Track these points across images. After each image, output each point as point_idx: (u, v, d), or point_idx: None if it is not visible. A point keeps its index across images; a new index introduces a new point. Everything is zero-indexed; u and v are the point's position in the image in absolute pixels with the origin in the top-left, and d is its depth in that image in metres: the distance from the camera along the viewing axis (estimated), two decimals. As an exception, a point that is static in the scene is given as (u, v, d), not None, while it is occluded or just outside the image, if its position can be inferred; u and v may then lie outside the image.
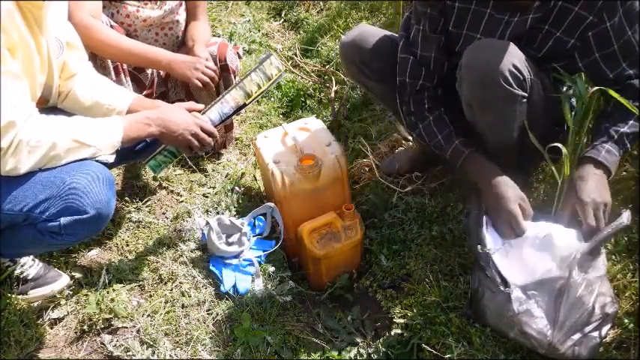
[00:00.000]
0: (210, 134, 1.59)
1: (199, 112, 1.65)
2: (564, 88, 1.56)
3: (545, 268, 1.36)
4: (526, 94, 1.41)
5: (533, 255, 1.40)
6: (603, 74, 1.44)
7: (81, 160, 1.37)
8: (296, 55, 3.02)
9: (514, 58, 1.37)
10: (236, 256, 1.81)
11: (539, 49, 1.47)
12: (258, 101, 2.71)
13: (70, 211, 1.32)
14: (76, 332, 1.64)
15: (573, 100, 1.61)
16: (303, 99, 2.74)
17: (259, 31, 3.29)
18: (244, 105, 1.72)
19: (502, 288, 1.35)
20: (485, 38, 1.45)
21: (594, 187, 1.38)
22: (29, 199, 1.31)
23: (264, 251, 1.86)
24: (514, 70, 1.36)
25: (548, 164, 1.80)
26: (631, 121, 1.41)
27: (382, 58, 1.74)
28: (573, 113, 1.48)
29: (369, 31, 1.79)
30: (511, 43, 1.39)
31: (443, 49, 1.62)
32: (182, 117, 1.55)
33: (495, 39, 1.42)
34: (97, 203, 1.33)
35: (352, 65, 1.82)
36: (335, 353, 1.64)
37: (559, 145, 1.48)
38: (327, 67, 2.85)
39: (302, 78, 2.85)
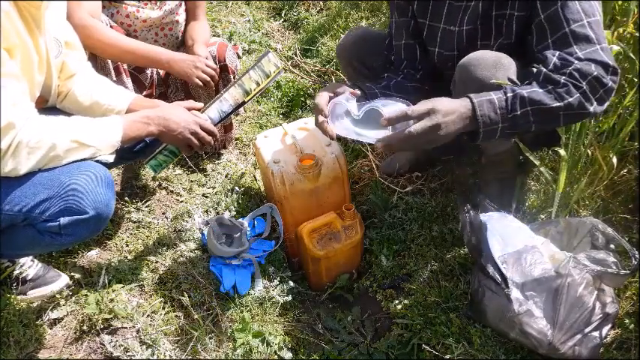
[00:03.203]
0: (210, 133, 1.59)
1: (199, 110, 1.65)
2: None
3: (542, 268, 1.36)
4: None
5: (529, 256, 1.39)
6: (531, 45, 1.37)
7: (80, 160, 1.37)
8: (296, 55, 3.02)
9: (508, 70, 1.35)
10: (236, 256, 1.81)
11: (509, 36, 1.45)
12: (257, 100, 2.71)
13: (70, 211, 1.32)
14: (75, 332, 1.64)
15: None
16: (303, 99, 2.74)
17: (259, 30, 3.29)
18: (243, 103, 1.72)
19: (503, 287, 1.35)
20: (476, 52, 1.42)
21: (447, 110, 1.21)
22: (29, 199, 1.31)
23: (264, 251, 1.86)
24: (509, 82, 1.34)
25: (547, 163, 1.81)
26: (535, 87, 1.25)
27: (379, 59, 1.75)
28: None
29: (366, 32, 1.80)
30: (504, 55, 1.37)
31: (414, 34, 1.63)
32: (182, 116, 1.55)
33: (488, 51, 1.40)
34: (96, 203, 1.33)
35: (349, 66, 1.83)
36: (335, 353, 1.64)
37: (559, 150, 1.48)
38: (327, 67, 2.84)
39: (302, 78, 2.85)
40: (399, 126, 1.26)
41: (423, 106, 1.22)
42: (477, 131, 1.25)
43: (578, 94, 1.22)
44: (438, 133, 1.21)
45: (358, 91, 1.44)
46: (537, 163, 1.53)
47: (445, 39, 1.55)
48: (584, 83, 1.22)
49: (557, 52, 1.27)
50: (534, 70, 1.28)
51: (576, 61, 1.24)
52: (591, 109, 1.24)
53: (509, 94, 1.24)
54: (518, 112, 1.23)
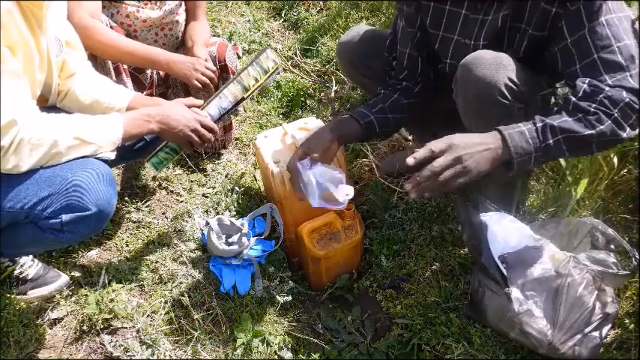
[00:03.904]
0: (210, 130, 1.60)
1: (199, 107, 1.65)
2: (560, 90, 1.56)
3: (542, 268, 1.36)
4: (522, 105, 1.39)
5: (530, 256, 1.40)
6: (557, 68, 1.38)
7: (82, 157, 1.37)
8: (296, 55, 3.02)
9: (509, 70, 1.35)
10: (236, 256, 1.81)
11: (518, 49, 1.45)
12: (257, 100, 2.72)
13: (72, 208, 1.32)
14: (75, 332, 1.64)
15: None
16: (303, 99, 2.74)
17: (259, 30, 3.29)
18: (242, 99, 1.72)
19: (503, 286, 1.36)
20: (477, 52, 1.42)
21: (473, 143, 1.22)
22: (31, 196, 1.31)
23: (264, 251, 1.86)
24: (510, 83, 1.34)
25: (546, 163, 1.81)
26: (564, 117, 1.25)
27: (379, 58, 1.75)
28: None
29: (367, 31, 1.80)
30: (505, 55, 1.37)
31: (418, 46, 1.62)
32: (182, 113, 1.55)
33: (489, 50, 1.40)
34: (98, 200, 1.33)
35: (349, 65, 1.83)
36: (335, 353, 1.64)
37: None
38: (327, 67, 2.85)
39: (302, 78, 2.85)
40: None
41: (442, 142, 1.22)
42: (510, 161, 1.25)
43: (610, 122, 1.22)
44: (464, 166, 1.21)
45: (315, 155, 1.52)
46: (565, 164, 1.52)
47: (459, 51, 1.53)
48: (615, 110, 1.22)
49: (588, 80, 1.26)
50: (564, 95, 1.30)
51: (607, 88, 1.23)
52: (624, 135, 1.24)
53: (539, 124, 1.25)
54: (551, 142, 1.24)
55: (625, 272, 1.32)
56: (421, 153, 1.21)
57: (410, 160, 1.21)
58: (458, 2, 1.47)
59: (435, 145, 1.21)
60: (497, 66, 1.35)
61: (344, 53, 1.84)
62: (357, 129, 1.59)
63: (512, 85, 1.34)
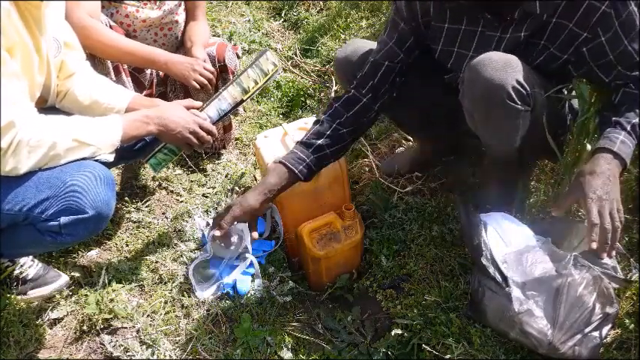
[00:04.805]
0: (208, 132, 1.60)
1: (198, 109, 1.65)
2: (566, 92, 1.56)
3: (543, 267, 1.36)
4: (529, 108, 1.39)
5: (530, 256, 1.40)
6: (600, 79, 1.42)
7: (81, 159, 1.37)
8: (296, 55, 3.02)
9: (517, 73, 1.34)
10: (236, 257, 1.80)
11: (532, 61, 1.44)
12: (257, 100, 2.72)
13: (70, 210, 1.32)
14: (75, 332, 1.64)
15: (575, 101, 1.62)
16: (303, 99, 2.74)
17: (259, 30, 3.29)
18: (242, 101, 1.72)
19: (503, 286, 1.35)
20: (486, 53, 1.40)
21: (604, 183, 1.30)
22: (29, 198, 1.31)
23: (264, 251, 1.86)
24: (517, 85, 1.33)
25: (547, 163, 1.81)
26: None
27: None
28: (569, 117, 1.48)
29: (363, 48, 1.77)
30: (514, 57, 1.37)
31: (389, 61, 1.59)
32: (181, 115, 1.55)
33: (498, 52, 1.39)
34: (96, 203, 1.33)
35: (345, 79, 1.82)
36: (335, 353, 1.64)
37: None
38: (327, 66, 2.84)
39: (302, 78, 2.85)
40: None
41: (593, 206, 1.27)
42: (625, 167, 1.35)
43: None
44: (616, 204, 1.29)
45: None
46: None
47: None
48: None
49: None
50: (627, 92, 1.38)
51: None
52: None
53: (628, 127, 1.34)
54: None
55: (622, 278, 1.33)
56: (595, 232, 1.26)
57: (594, 245, 1.26)
58: (473, 22, 1.46)
59: (593, 214, 1.27)
60: (505, 67, 1.34)
61: (340, 69, 1.82)
62: (292, 178, 1.55)
63: (520, 88, 1.34)
